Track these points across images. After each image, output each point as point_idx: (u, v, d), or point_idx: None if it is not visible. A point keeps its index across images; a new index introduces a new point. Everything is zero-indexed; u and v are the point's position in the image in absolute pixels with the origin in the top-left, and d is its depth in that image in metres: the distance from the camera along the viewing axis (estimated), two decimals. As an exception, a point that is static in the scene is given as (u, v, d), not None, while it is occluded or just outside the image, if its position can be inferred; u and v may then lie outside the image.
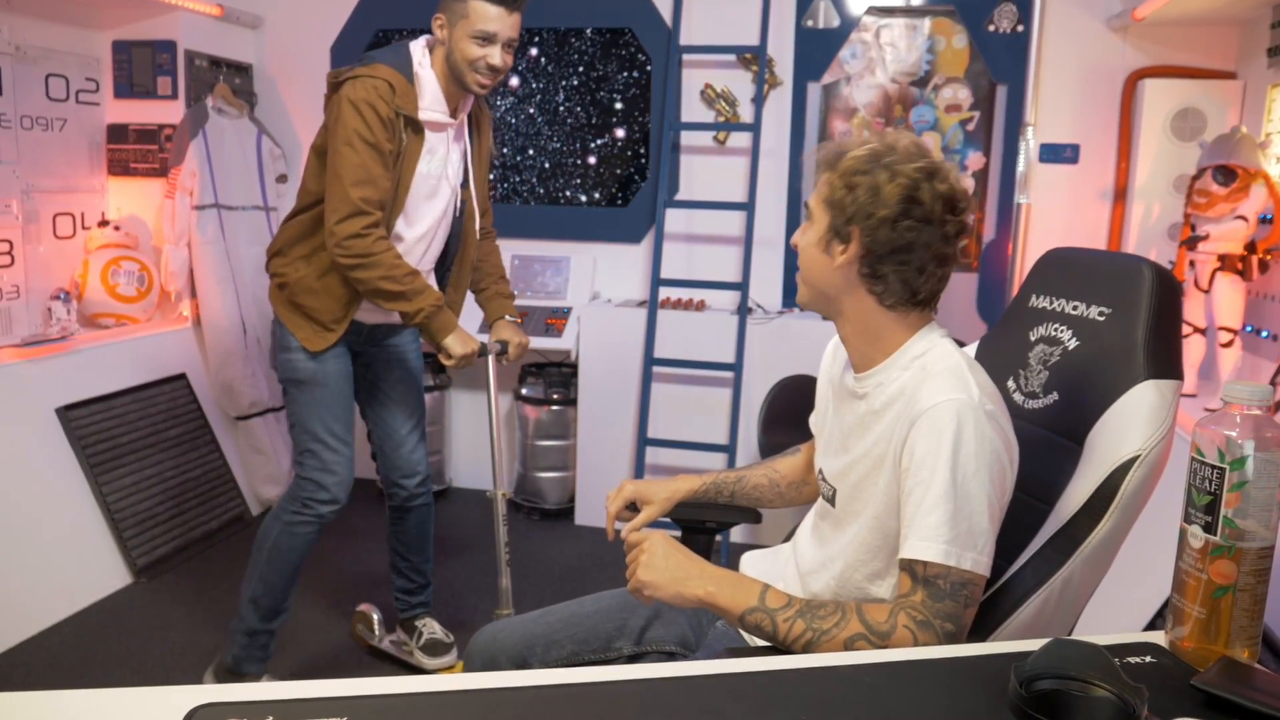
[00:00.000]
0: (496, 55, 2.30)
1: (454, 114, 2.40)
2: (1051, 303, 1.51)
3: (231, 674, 2.52)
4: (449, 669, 2.74)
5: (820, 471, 1.52)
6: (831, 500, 1.46)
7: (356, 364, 2.56)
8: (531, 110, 4.18)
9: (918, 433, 1.25)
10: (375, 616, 2.90)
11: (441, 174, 2.42)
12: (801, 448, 1.75)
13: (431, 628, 2.83)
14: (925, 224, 1.27)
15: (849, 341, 1.41)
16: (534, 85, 4.16)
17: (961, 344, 1.51)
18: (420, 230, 2.44)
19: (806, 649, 1.25)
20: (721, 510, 1.76)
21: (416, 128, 2.31)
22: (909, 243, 1.28)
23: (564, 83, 4.13)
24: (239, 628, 2.53)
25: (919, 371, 1.31)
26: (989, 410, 1.25)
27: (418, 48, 2.35)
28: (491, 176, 3.06)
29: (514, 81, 4.17)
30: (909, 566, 1.25)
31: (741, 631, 1.53)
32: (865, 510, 1.37)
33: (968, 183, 3.95)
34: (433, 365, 4.16)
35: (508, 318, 2.69)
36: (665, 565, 1.33)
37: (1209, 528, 1.02)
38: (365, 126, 2.19)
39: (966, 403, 1.23)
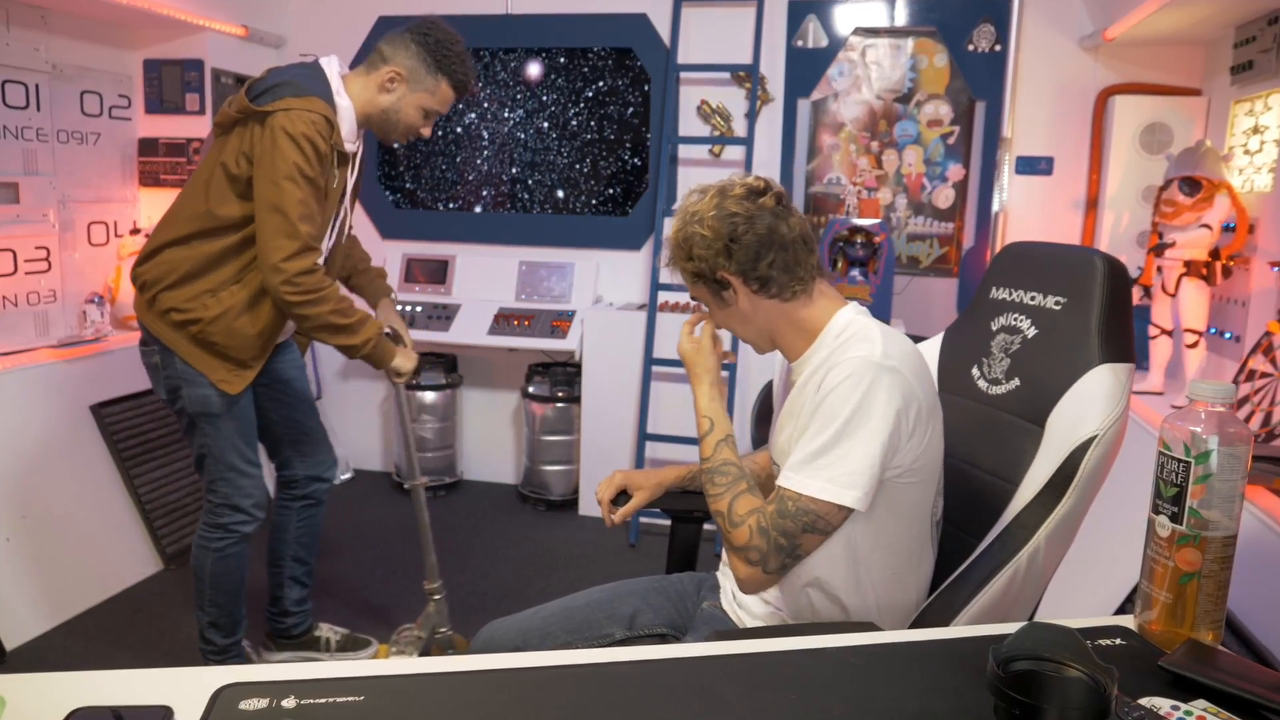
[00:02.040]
0: (429, 130, 2.29)
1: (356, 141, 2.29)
2: (1011, 294, 1.51)
3: None
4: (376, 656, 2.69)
5: (772, 460, 1.57)
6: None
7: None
8: (539, 125, 4.18)
9: (827, 382, 1.32)
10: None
11: (344, 195, 2.32)
12: None
13: (334, 629, 2.70)
14: (752, 221, 1.36)
15: (785, 345, 1.47)
16: (541, 101, 4.16)
17: (920, 339, 1.59)
18: (324, 255, 2.31)
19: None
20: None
21: (343, 159, 2.19)
22: (757, 240, 1.36)
23: (569, 99, 4.13)
24: (208, 651, 2.44)
25: (840, 347, 1.37)
26: (890, 366, 1.30)
27: (334, 73, 2.18)
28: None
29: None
30: (779, 492, 1.34)
31: (728, 612, 1.54)
32: None
33: (948, 193, 3.95)
34: (445, 365, 4.19)
35: (393, 295, 2.60)
36: (701, 358, 1.45)
37: (1175, 518, 1.02)
38: (306, 162, 2.03)
39: (868, 359, 1.29)
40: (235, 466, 2.29)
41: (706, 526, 1.84)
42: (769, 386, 3.52)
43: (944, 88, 3.89)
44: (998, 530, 1.37)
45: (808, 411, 1.35)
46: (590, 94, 4.10)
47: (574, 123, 4.14)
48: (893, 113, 3.95)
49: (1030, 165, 3.74)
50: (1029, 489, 1.36)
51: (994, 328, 1.51)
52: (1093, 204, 3.66)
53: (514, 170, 4.23)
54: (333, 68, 2.19)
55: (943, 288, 3.96)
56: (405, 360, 2.32)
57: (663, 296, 3.92)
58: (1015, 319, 1.48)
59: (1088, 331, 1.35)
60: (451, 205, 4.32)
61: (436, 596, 2.56)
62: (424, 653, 2.55)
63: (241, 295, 2.16)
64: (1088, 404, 1.31)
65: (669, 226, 1.45)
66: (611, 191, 4.14)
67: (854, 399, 1.28)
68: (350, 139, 2.19)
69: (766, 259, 1.36)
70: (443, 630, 2.57)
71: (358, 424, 4.40)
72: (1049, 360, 1.39)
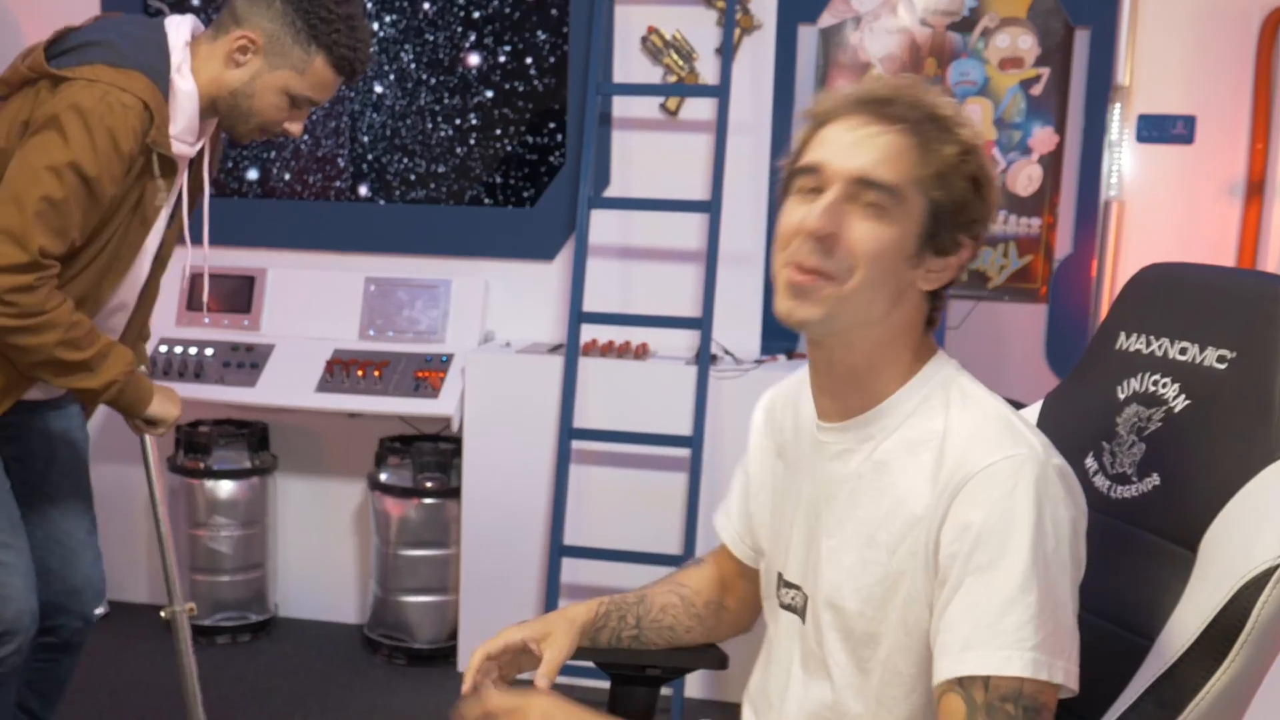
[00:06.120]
0: (299, 125, 2.21)
1: (198, 138, 2.19)
2: (1149, 344, 1.35)
3: None
4: None
5: (779, 577, 1.35)
6: (802, 613, 1.29)
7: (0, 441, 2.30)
8: (398, 70, 3.56)
9: (969, 502, 1.11)
10: None
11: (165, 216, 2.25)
12: (704, 558, 1.60)
13: None
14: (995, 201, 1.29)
15: (836, 378, 1.27)
16: (402, 39, 3.56)
17: (1019, 405, 1.42)
18: (134, 293, 2.25)
19: None
20: (666, 653, 1.60)
21: (168, 166, 2.08)
22: (994, 210, 1.25)
23: (444, 34, 3.54)
24: None
25: (936, 417, 1.18)
26: (1057, 465, 1.14)
27: (179, 41, 2.07)
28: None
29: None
30: (961, 688, 1.09)
31: None
32: (880, 625, 1.19)
33: (1033, 171, 3.57)
34: (250, 439, 3.64)
35: (141, 368, 2.42)
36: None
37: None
38: (94, 159, 1.93)
39: (1031, 458, 1.11)
40: None
41: (664, 692, 1.77)
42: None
43: (1026, 9, 3.44)
44: (1120, 708, 1.20)
45: (906, 528, 1.15)
46: (477, 27, 3.55)
47: (447, 67, 3.60)
48: (946, 46, 3.50)
49: (1160, 129, 3.34)
50: (1172, 646, 1.18)
51: (1121, 396, 1.36)
52: (1258, 188, 3.28)
53: (361, 138, 3.64)
54: (181, 32, 2.11)
55: (1024, 318, 3.57)
56: (166, 406, 2.27)
57: (589, 332, 3.32)
58: (1155, 383, 1.32)
59: (1270, 405, 1.17)
60: (259, 190, 3.74)
61: None
62: None
63: None
64: (1264, 518, 1.13)
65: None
66: (509, 167, 3.59)
67: (1029, 520, 1.07)
68: (187, 136, 2.13)
69: (972, 227, 1.19)
70: None
71: (113, 534, 3.63)
72: (1206, 448, 1.23)
